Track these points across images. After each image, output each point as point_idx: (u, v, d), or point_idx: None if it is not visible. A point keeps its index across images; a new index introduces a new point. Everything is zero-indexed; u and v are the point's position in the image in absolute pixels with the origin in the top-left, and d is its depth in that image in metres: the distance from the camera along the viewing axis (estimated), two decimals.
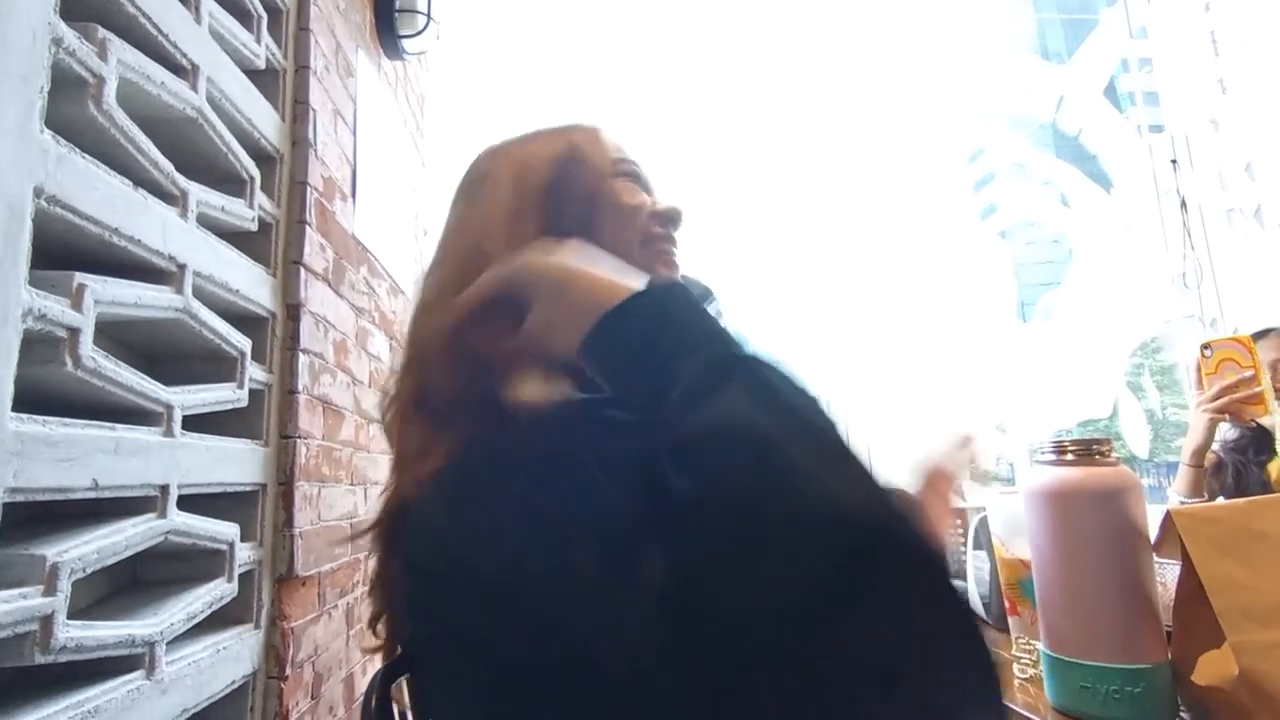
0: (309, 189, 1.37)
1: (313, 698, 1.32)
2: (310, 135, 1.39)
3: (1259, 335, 1.62)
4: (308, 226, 1.35)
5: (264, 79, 1.30)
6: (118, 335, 0.99)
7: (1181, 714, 0.70)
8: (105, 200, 0.86)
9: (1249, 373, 1.39)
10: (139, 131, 0.93)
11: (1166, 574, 0.84)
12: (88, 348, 0.82)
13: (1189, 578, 0.70)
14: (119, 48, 0.89)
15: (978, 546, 1.12)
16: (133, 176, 0.93)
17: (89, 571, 0.82)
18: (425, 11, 2.03)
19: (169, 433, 0.97)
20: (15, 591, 0.71)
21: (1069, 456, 0.76)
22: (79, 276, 0.81)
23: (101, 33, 0.87)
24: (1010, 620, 0.95)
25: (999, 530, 1.01)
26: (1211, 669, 0.67)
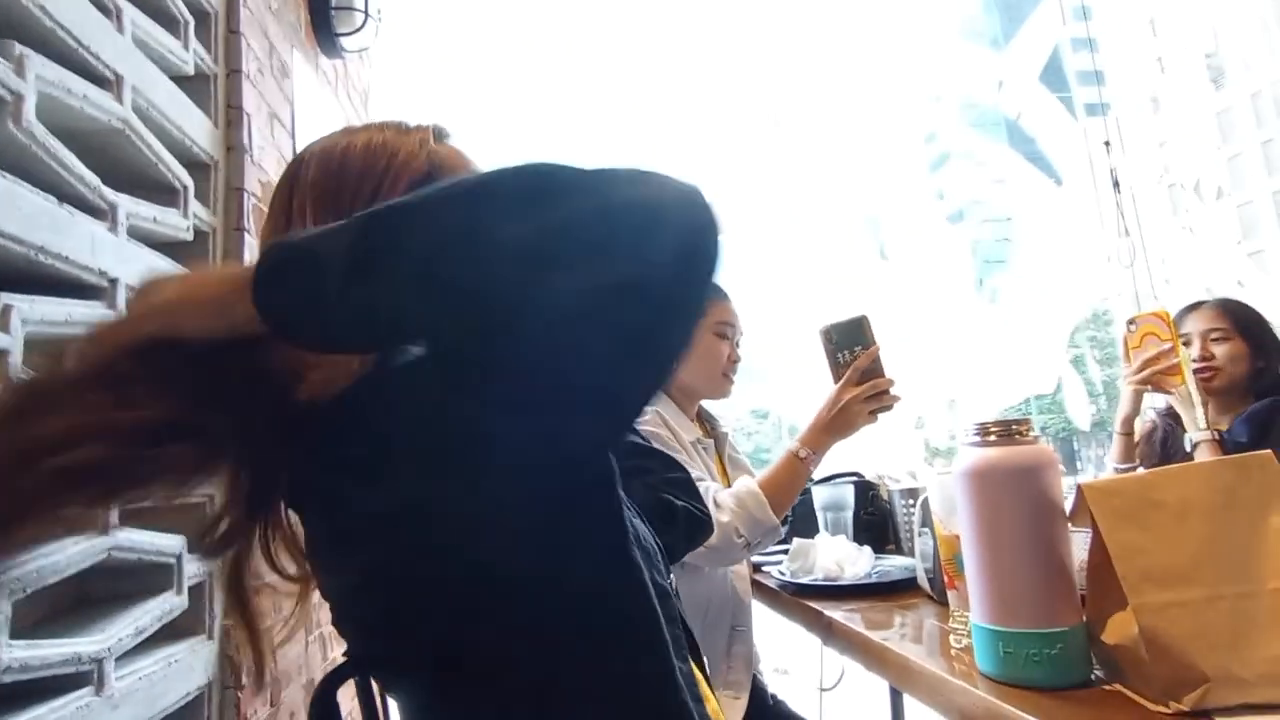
0: (246, 195, 1.35)
1: (273, 705, 1.31)
2: (245, 140, 1.37)
3: (1192, 308, 1.70)
4: (246, 233, 1.34)
5: (194, 85, 1.27)
6: (53, 354, 0.98)
7: (1095, 671, 0.74)
8: (28, 218, 0.85)
9: (1167, 345, 1.47)
10: (61, 147, 0.91)
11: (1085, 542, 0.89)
12: (17, 369, 0.81)
13: (1098, 545, 0.74)
14: (37, 63, 0.87)
15: (924, 525, 1.16)
16: (57, 192, 0.91)
17: (29, 591, 0.81)
18: (363, 9, 2.00)
19: None
20: None
21: (991, 437, 0.80)
22: (4, 297, 0.80)
23: (19, 49, 0.85)
24: (949, 594, 0.99)
25: (938, 509, 1.05)
26: (1118, 629, 0.72)
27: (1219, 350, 1.62)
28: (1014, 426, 0.80)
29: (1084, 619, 0.76)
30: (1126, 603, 0.69)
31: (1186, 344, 1.65)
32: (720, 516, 1.17)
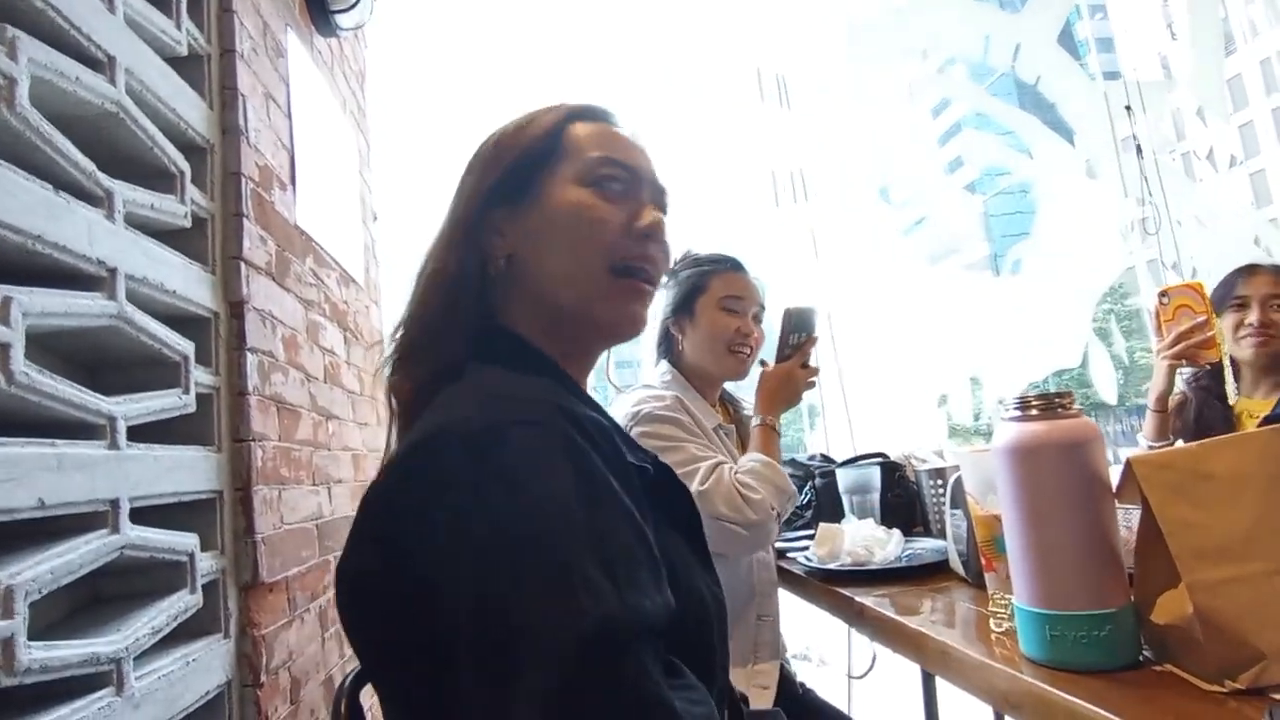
0: (244, 179, 1.32)
1: (292, 703, 1.31)
2: (241, 122, 1.33)
3: (1249, 271, 1.63)
4: (245, 219, 1.30)
5: (187, 66, 1.24)
6: (52, 346, 0.95)
7: (1144, 652, 0.71)
8: (24, 207, 0.82)
9: (1202, 318, 1.41)
10: (56, 132, 0.89)
11: (1130, 519, 0.85)
12: (19, 362, 0.79)
13: (1148, 522, 0.71)
14: (28, 45, 0.84)
15: (955, 505, 1.13)
16: (52, 179, 0.88)
17: (44, 592, 0.80)
18: None
19: (114, 445, 0.94)
20: None
21: (1033, 411, 0.76)
22: (3, 289, 0.78)
23: (10, 31, 0.82)
24: (987, 576, 0.96)
25: (973, 488, 1.02)
26: (1169, 608, 0.69)
27: (1278, 317, 1.57)
28: (1056, 400, 0.77)
29: (1132, 599, 0.72)
30: (1178, 580, 0.67)
31: (1241, 306, 1.60)
32: (752, 495, 1.16)
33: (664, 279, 1.46)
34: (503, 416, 0.52)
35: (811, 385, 1.39)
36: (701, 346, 1.38)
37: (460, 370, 0.62)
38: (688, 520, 0.67)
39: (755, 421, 1.34)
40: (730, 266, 1.40)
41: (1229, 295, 1.62)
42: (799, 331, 1.38)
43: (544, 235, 0.67)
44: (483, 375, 0.61)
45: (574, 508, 0.48)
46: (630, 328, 0.70)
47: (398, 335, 0.68)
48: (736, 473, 1.20)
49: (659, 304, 1.44)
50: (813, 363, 1.39)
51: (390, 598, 0.51)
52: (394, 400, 0.68)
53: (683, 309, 1.40)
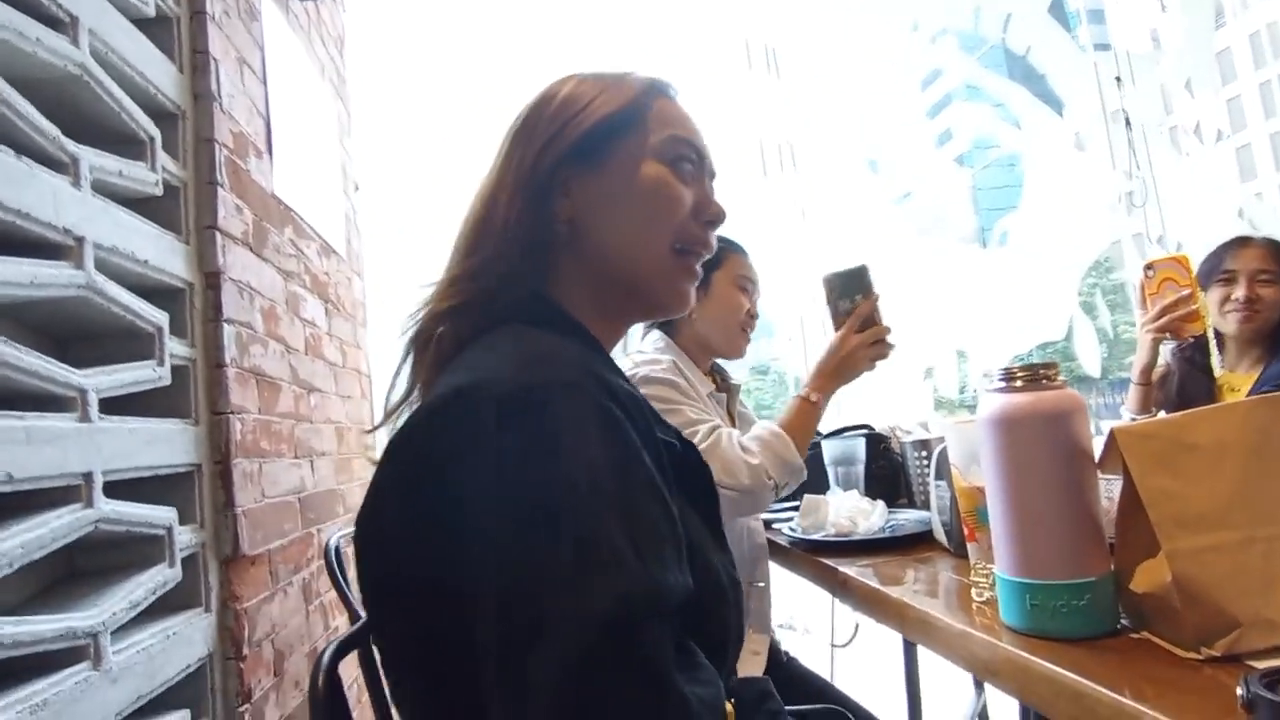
0: (217, 146, 1.28)
1: (276, 674, 1.31)
2: (213, 88, 1.29)
3: (1240, 243, 1.63)
4: (219, 188, 1.27)
5: (156, 28, 1.19)
6: (19, 317, 0.93)
7: (1122, 620, 0.72)
8: None
9: (1186, 291, 1.41)
10: (16, 94, 0.85)
11: (1112, 489, 0.86)
12: None
13: (1129, 492, 0.71)
14: None
15: (939, 476, 1.13)
16: (13, 144, 0.85)
17: (15, 566, 0.79)
18: None
19: (85, 418, 0.92)
20: None
21: (1018, 383, 0.76)
22: None
23: None
24: (969, 547, 0.97)
25: (957, 459, 1.02)
26: (1148, 577, 0.69)
27: (1266, 293, 1.56)
28: (1041, 371, 0.77)
29: (1112, 567, 0.73)
30: (1157, 550, 0.67)
31: (1228, 280, 1.60)
32: (750, 460, 1.16)
33: None
34: (542, 379, 0.50)
35: (882, 353, 1.21)
36: (713, 319, 1.37)
37: (492, 327, 0.61)
38: (706, 497, 0.66)
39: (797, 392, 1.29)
40: (740, 249, 1.40)
41: (1217, 268, 1.61)
42: (847, 296, 1.23)
43: (615, 204, 0.66)
44: (523, 335, 0.59)
45: (605, 478, 0.47)
46: (680, 306, 0.71)
47: (454, 282, 0.65)
48: (742, 437, 1.20)
49: None
50: (882, 324, 1.22)
51: (406, 549, 0.50)
52: (432, 349, 0.64)
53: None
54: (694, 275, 0.70)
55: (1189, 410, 0.73)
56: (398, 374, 0.67)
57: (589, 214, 0.66)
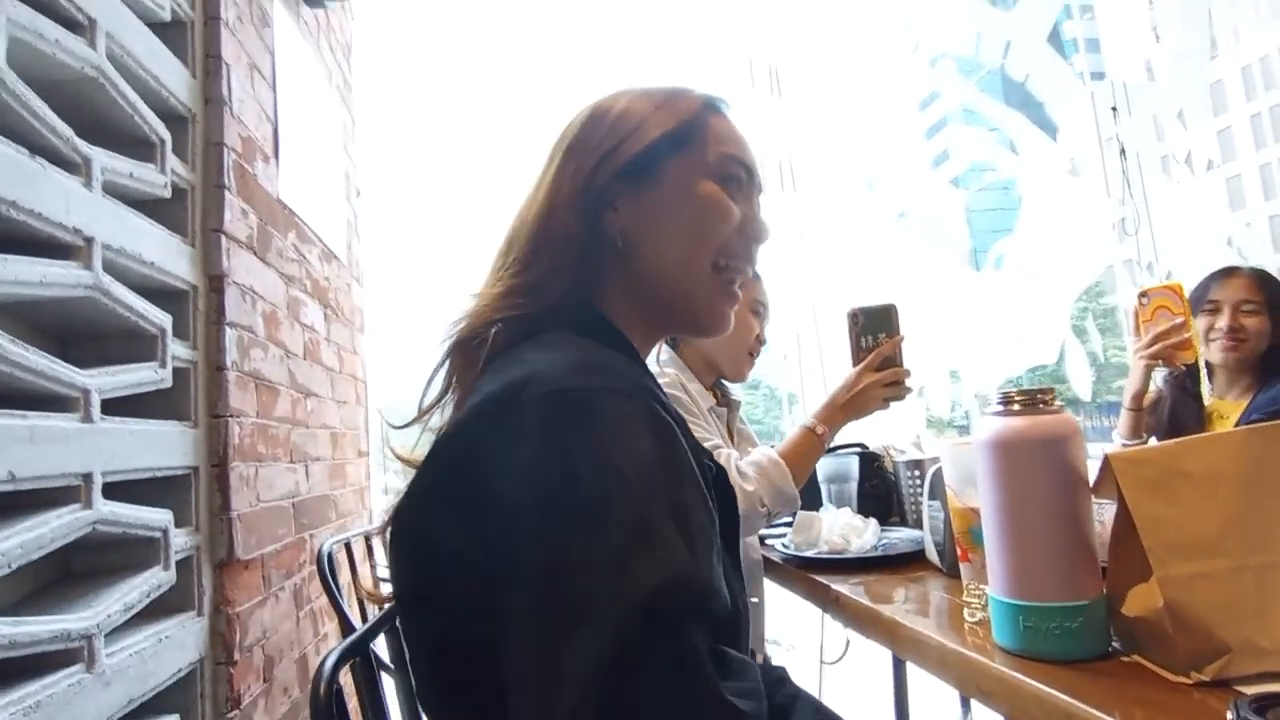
0: (226, 150, 1.29)
1: (265, 680, 1.30)
2: (224, 92, 1.30)
3: (1225, 274, 1.65)
4: (226, 191, 1.28)
5: (171, 32, 1.21)
6: (25, 316, 0.93)
7: (1113, 643, 0.73)
8: (0, 171, 0.80)
9: (1179, 319, 1.44)
10: (33, 95, 0.86)
11: (1105, 513, 0.87)
12: None
13: (1122, 517, 0.72)
14: (6, 4, 0.82)
15: (933, 496, 1.14)
16: (28, 144, 0.86)
17: (13, 567, 0.79)
18: None
19: (87, 418, 0.92)
20: None
21: (1015, 406, 0.77)
22: None
23: None
24: (962, 567, 0.97)
25: (952, 480, 1.03)
26: (1139, 601, 0.70)
27: (1249, 323, 1.58)
28: (1038, 395, 0.78)
29: (1104, 591, 0.74)
30: (1150, 575, 0.68)
31: (1213, 310, 1.62)
32: (745, 485, 1.16)
33: None
34: (597, 383, 0.50)
35: (897, 395, 1.21)
36: (723, 340, 1.37)
37: (543, 331, 0.61)
38: (730, 522, 0.66)
39: (803, 421, 1.29)
40: (757, 274, 1.41)
41: (1203, 298, 1.64)
42: (871, 333, 1.23)
43: (665, 220, 0.67)
44: (579, 343, 0.59)
45: (656, 473, 0.47)
46: (719, 327, 0.70)
47: (512, 293, 0.65)
48: (740, 460, 1.21)
49: None
50: (902, 366, 1.22)
51: (450, 545, 0.50)
52: (481, 353, 0.63)
53: None
54: (733, 297, 0.70)
55: (1183, 438, 0.75)
56: (433, 377, 0.67)
57: (638, 230, 0.67)
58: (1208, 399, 1.69)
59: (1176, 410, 1.70)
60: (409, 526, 0.54)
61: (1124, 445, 1.61)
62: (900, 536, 1.28)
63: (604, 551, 0.43)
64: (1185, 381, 1.70)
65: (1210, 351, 1.63)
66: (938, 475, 1.11)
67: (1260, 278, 1.63)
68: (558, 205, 0.66)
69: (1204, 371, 1.68)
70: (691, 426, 1.22)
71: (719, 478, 0.66)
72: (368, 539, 1.48)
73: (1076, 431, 0.75)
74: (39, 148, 0.88)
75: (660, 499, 0.46)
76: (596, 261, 0.67)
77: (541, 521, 0.45)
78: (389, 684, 0.91)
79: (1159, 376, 1.71)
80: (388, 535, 0.56)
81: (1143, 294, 1.53)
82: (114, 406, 0.98)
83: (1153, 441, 1.58)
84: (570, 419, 0.47)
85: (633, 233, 0.67)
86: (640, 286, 0.67)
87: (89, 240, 0.93)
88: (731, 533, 0.65)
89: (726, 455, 1.20)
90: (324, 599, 1.53)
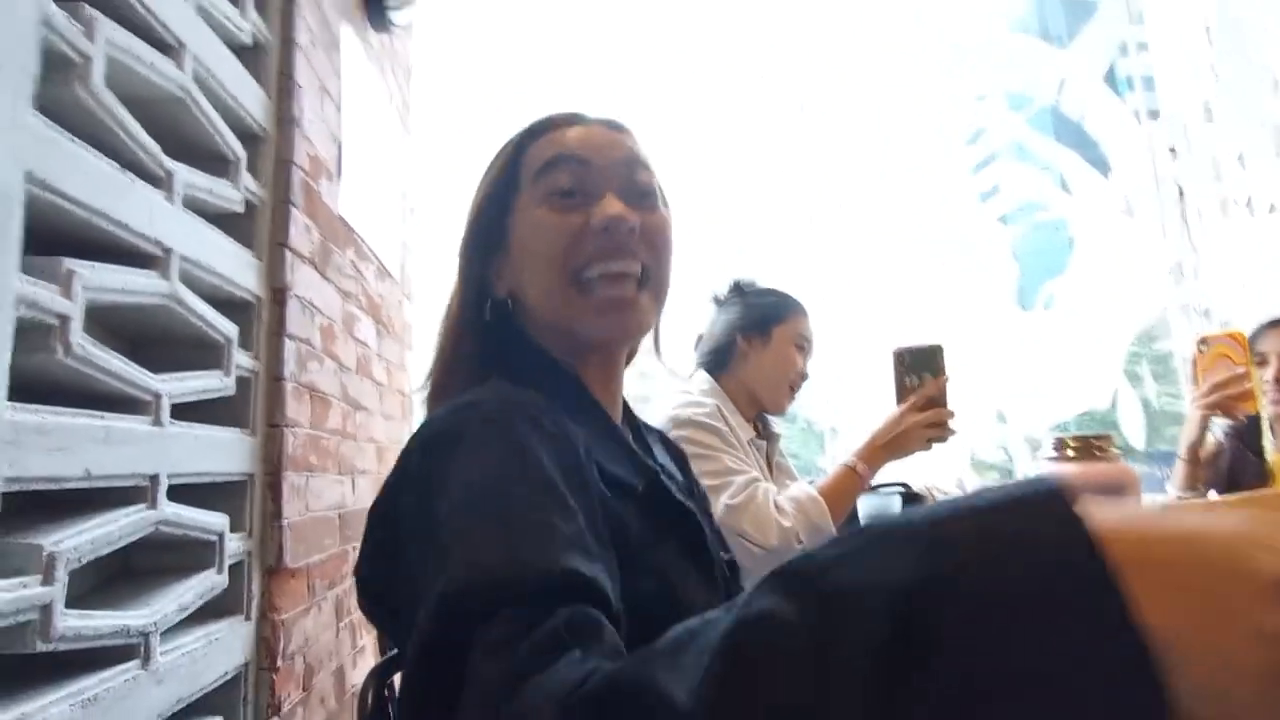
0: (295, 168, 1.34)
1: (304, 689, 1.31)
2: (297, 113, 1.36)
3: (1274, 324, 1.60)
4: (294, 208, 1.33)
5: (250, 55, 1.27)
6: (105, 322, 0.97)
7: None
8: (93, 183, 0.84)
9: (1241, 369, 1.39)
10: (126, 113, 0.91)
11: None
12: (77, 335, 0.80)
13: None
14: (107, 27, 0.87)
15: None
16: (119, 159, 0.90)
17: (84, 561, 0.81)
18: None
19: (157, 421, 0.95)
20: (15, 580, 0.70)
21: (1070, 453, 0.76)
22: (68, 262, 0.79)
23: (89, 11, 0.84)
24: None
25: None
26: None
27: None
28: (1094, 442, 0.76)
29: None
30: None
31: (1263, 363, 1.57)
32: (783, 521, 1.16)
33: (732, 296, 1.46)
34: (465, 415, 0.54)
35: (941, 436, 1.19)
36: (766, 373, 1.38)
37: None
38: (689, 538, 0.64)
39: (843, 460, 1.28)
40: (803, 309, 1.42)
41: (1251, 350, 1.59)
42: (916, 373, 1.21)
43: (521, 271, 0.67)
44: (481, 388, 0.60)
45: (477, 474, 0.48)
46: (612, 332, 0.66)
47: (429, 374, 0.72)
48: (778, 495, 1.20)
49: (728, 315, 1.44)
50: (947, 407, 1.19)
51: (377, 590, 0.58)
52: None
53: (758, 330, 1.40)
54: (610, 299, 0.63)
55: (1241, 494, 0.72)
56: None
57: (516, 286, 0.68)
58: (1270, 454, 1.63)
59: (1236, 464, 1.63)
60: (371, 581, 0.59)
61: (1179, 497, 1.55)
62: None
63: (418, 566, 0.46)
64: (1245, 434, 1.64)
65: (1265, 406, 1.57)
66: None
67: None
68: (451, 295, 0.72)
69: (1266, 425, 1.61)
70: (727, 458, 1.22)
71: (654, 494, 0.63)
72: None
73: (1133, 481, 0.73)
74: (129, 163, 0.92)
75: (477, 499, 0.46)
76: (500, 334, 0.69)
77: (404, 553, 0.49)
78: None
79: (1218, 428, 1.65)
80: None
81: (1202, 341, 1.49)
82: (180, 412, 1.02)
83: (1211, 495, 1.52)
84: (433, 455, 0.52)
85: (515, 289, 0.68)
86: (548, 332, 0.67)
87: (168, 251, 0.98)
88: (689, 542, 0.64)
89: (764, 490, 1.19)
90: None
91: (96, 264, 0.85)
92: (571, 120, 0.68)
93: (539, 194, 0.65)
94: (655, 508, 0.61)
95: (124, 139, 0.91)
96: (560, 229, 0.63)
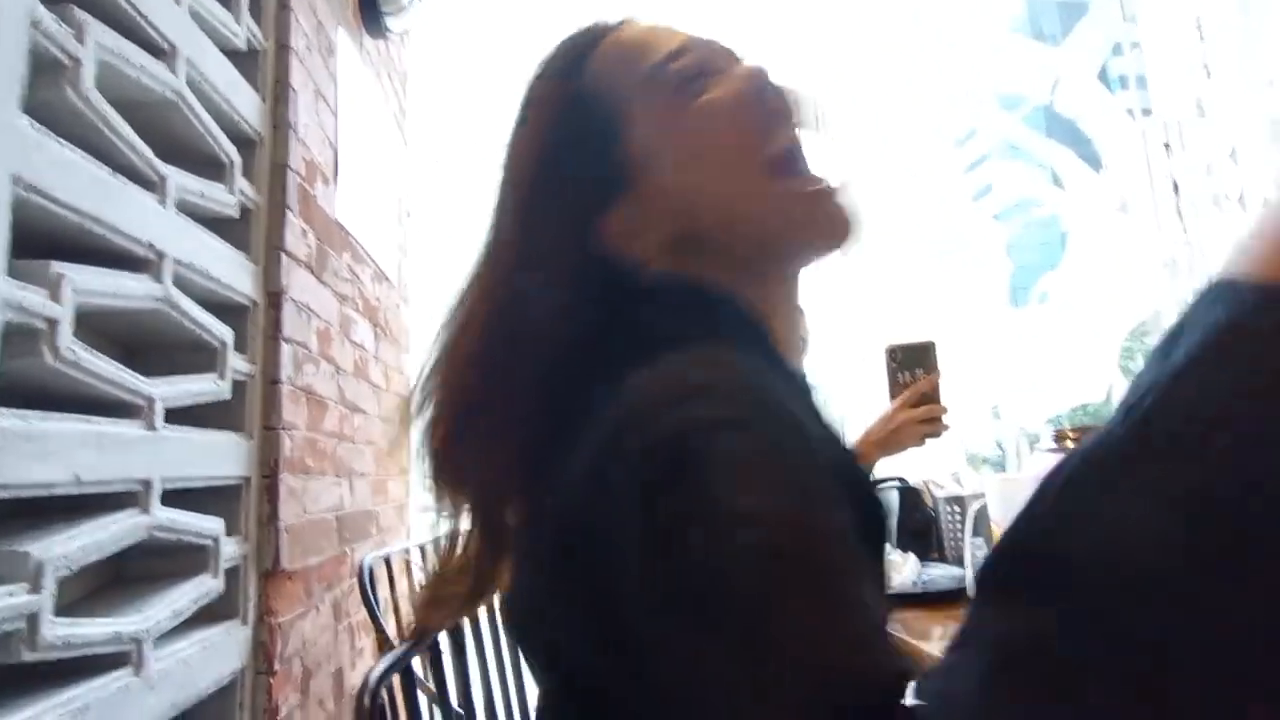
0: (290, 173, 1.34)
1: (302, 693, 1.31)
2: (292, 117, 1.35)
3: None
4: (289, 211, 1.33)
5: (244, 60, 1.26)
6: (97, 326, 0.97)
7: None
8: (83, 187, 0.84)
9: None
10: (117, 116, 0.90)
11: None
12: (66, 339, 0.80)
13: None
14: (97, 29, 0.86)
15: (977, 533, 1.12)
16: (110, 162, 0.90)
17: (74, 569, 0.81)
18: None
19: (150, 426, 0.95)
20: (2, 589, 0.70)
21: (1069, 444, 0.76)
22: (57, 266, 0.79)
23: (79, 14, 0.84)
24: None
25: (998, 517, 1.01)
26: None
27: None
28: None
29: None
30: None
31: None
32: None
33: None
34: (697, 416, 0.36)
35: (934, 432, 1.17)
36: None
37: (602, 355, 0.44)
38: (875, 524, 0.49)
39: None
40: (800, 309, 1.42)
41: None
42: (909, 370, 1.20)
43: (683, 195, 0.49)
44: (688, 364, 0.40)
45: (754, 505, 0.32)
46: (831, 231, 0.50)
47: (461, 395, 0.52)
48: None
49: None
50: (940, 403, 1.16)
51: (576, 647, 0.41)
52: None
53: None
54: (813, 192, 0.49)
55: None
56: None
57: (665, 235, 0.50)
58: None
59: None
60: (528, 629, 0.45)
61: None
62: (940, 573, 1.25)
63: (725, 671, 0.30)
64: None
65: None
66: (982, 512, 1.09)
67: None
68: (529, 297, 0.50)
69: None
70: None
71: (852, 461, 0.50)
72: (412, 553, 1.51)
73: None
74: (120, 166, 0.92)
75: (792, 561, 0.31)
76: (622, 307, 0.49)
77: (665, 626, 0.33)
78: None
79: None
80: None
81: None
82: (175, 416, 1.02)
83: None
84: (667, 491, 0.34)
85: (664, 234, 0.49)
86: (722, 273, 0.49)
87: (161, 255, 0.97)
88: (877, 537, 0.50)
89: None
90: (362, 613, 1.55)
91: (88, 268, 0.84)
92: (623, 20, 0.54)
93: (667, 90, 0.49)
94: (863, 504, 0.44)
95: (115, 142, 0.90)
96: (741, 102, 0.48)
